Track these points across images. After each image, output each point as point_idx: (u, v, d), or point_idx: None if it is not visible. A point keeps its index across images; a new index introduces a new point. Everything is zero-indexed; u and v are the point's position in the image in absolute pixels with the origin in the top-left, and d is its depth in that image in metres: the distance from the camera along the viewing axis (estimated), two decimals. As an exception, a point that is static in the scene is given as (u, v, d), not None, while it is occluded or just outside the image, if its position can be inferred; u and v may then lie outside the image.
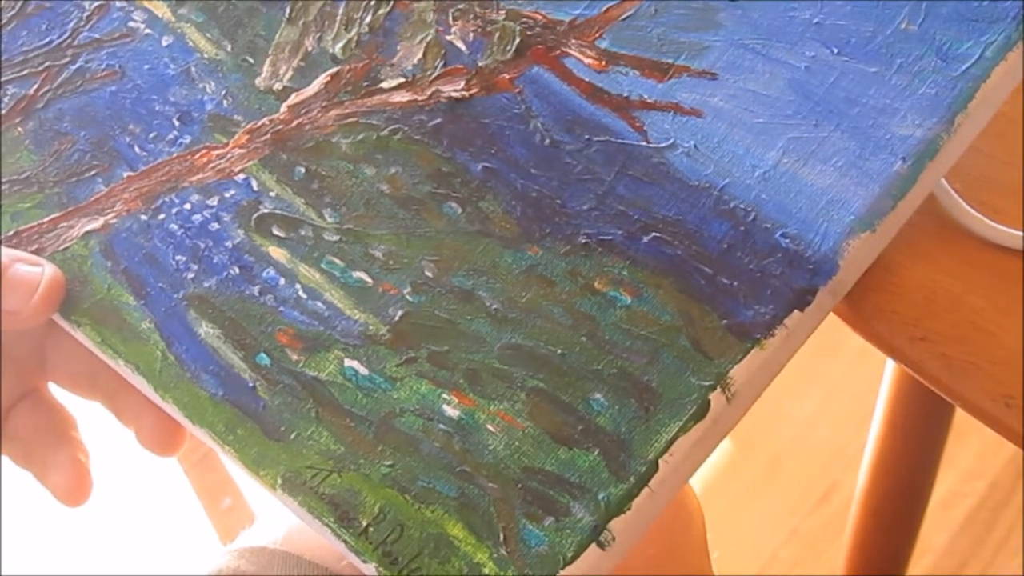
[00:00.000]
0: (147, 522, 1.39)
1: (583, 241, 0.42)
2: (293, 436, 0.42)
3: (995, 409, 0.42)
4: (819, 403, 1.41)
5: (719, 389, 0.39)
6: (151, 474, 1.39)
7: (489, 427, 0.40)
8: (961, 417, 0.44)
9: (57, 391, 0.50)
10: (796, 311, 0.39)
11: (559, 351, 0.41)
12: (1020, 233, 0.44)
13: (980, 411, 0.42)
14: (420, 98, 0.44)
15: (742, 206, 0.41)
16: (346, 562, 0.57)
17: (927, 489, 0.92)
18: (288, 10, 0.47)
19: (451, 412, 0.41)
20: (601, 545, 0.38)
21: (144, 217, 0.45)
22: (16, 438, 0.48)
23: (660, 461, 0.39)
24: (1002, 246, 0.44)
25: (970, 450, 1.35)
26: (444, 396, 0.41)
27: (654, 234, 0.41)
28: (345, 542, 0.40)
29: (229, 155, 0.45)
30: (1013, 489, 1.34)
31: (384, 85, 0.45)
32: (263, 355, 0.43)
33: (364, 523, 0.40)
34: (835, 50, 0.41)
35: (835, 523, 1.30)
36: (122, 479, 1.35)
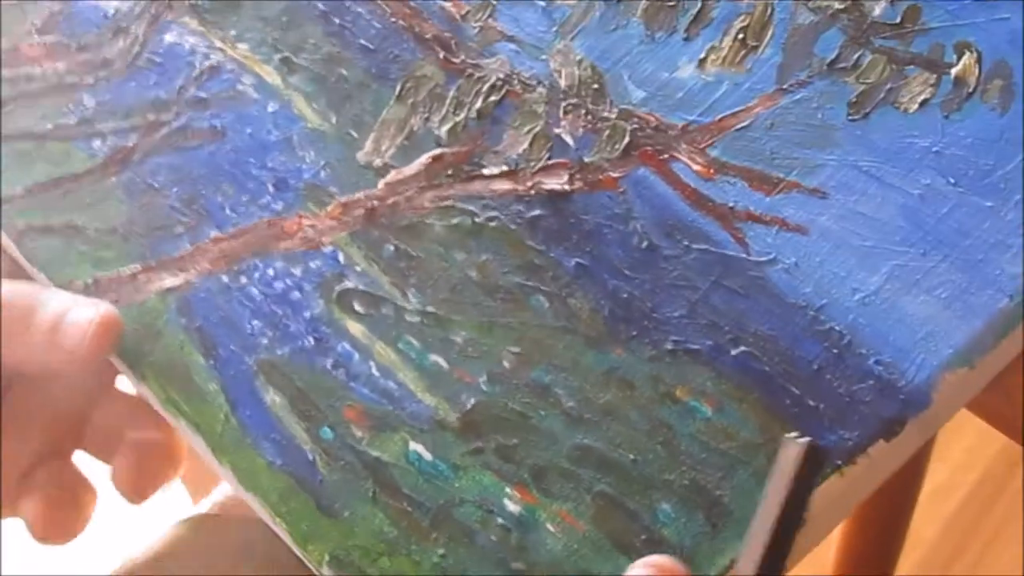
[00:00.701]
0: (143, 518, 1.45)
1: (669, 348, 0.46)
2: (347, 514, 0.46)
3: (987, 398, 0.45)
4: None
5: (792, 513, 0.43)
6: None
7: (549, 526, 0.44)
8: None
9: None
10: (882, 441, 0.43)
11: (631, 456, 0.45)
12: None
13: (973, 401, 0.46)
14: (521, 188, 0.50)
15: (838, 328, 0.45)
16: None
17: (917, 482, 0.97)
18: (398, 88, 0.52)
19: (512, 507, 0.45)
20: (650, 659, 0.42)
21: (225, 279, 0.50)
22: (31, 498, 0.53)
23: (721, 580, 0.43)
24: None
25: (961, 443, 1.44)
26: (507, 490, 0.45)
27: (743, 348, 0.45)
28: None
29: (319, 226, 0.51)
30: (1003, 482, 1.43)
31: (486, 171, 0.50)
32: (327, 429, 0.47)
33: None
34: (951, 180, 0.46)
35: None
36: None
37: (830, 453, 0.40)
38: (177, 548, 0.56)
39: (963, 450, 1.43)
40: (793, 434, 0.39)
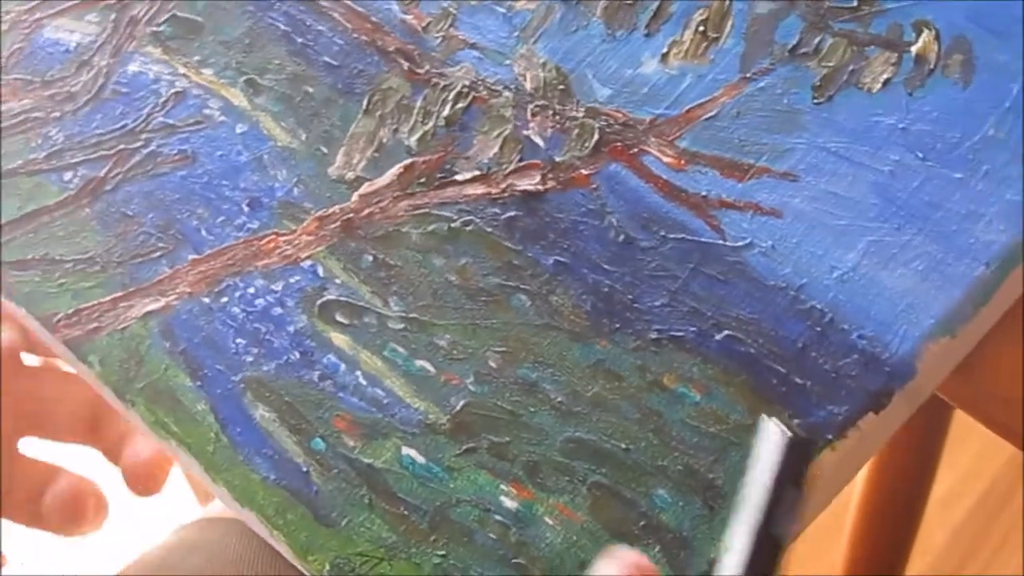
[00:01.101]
0: (145, 518, 1.45)
1: (653, 337, 0.46)
2: (345, 523, 0.46)
3: (993, 409, 0.45)
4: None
5: (787, 489, 0.43)
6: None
7: (547, 520, 0.45)
8: (960, 417, 0.48)
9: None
10: (871, 413, 0.44)
11: (623, 446, 0.45)
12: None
13: (979, 411, 0.46)
14: (494, 191, 0.50)
15: (819, 307, 0.45)
16: None
17: (926, 489, 0.98)
18: (365, 102, 0.53)
19: (509, 504, 0.45)
20: (657, 644, 0.42)
21: (207, 300, 0.50)
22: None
23: (723, 560, 0.43)
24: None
25: (969, 450, 1.45)
26: (502, 488, 0.45)
27: (727, 332, 0.46)
28: None
29: (296, 241, 0.51)
30: (1012, 489, 1.44)
31: (458, 177, 0.50)
32: (319, 440, 0.47)
33: None
34: (920, 155, 0.46)
35: (835, 522, 1.39)
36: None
37: (812, 442, 0.39)
38: (183, 550, 0.56)
39: (971, 457, 1.44)
40: (763, 416, 0.38)
